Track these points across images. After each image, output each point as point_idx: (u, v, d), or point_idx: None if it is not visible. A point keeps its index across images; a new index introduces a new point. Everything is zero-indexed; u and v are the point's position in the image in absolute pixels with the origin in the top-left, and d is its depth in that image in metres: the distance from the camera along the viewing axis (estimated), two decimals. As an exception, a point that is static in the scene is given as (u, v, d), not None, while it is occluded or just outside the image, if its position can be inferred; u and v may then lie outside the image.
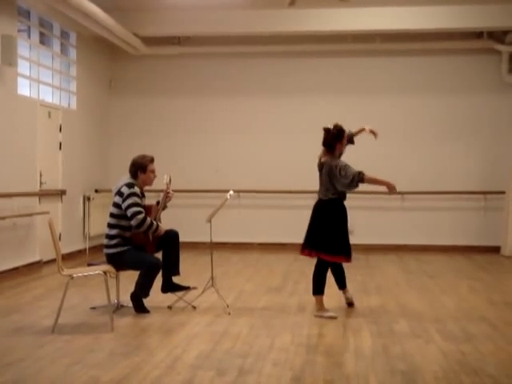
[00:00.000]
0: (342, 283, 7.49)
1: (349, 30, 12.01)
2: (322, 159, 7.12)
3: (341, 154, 7.25)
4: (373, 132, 7.89)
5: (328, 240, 6.95)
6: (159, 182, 7.46)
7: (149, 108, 13.75)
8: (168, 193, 7.40)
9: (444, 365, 5.32)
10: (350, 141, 7.53)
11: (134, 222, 7.02)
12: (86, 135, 12.66)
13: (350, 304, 7.49)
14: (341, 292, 7.54)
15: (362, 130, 7.87)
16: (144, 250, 7.18)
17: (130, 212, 7.01)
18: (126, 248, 7.11)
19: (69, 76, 12.14)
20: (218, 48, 13.15)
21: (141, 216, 7.01)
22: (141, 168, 7.25)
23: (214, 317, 7.01)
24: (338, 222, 7.02)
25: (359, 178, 6.78)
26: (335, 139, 7.03)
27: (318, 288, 7.07)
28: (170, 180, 7.39)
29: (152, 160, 7.35)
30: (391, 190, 6.95)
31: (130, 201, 7.03)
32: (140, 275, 7.14)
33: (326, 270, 7.12)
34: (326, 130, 7.06)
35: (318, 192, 7.18)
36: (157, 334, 6.41)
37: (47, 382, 4.88)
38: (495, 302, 7.98)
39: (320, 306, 7.05)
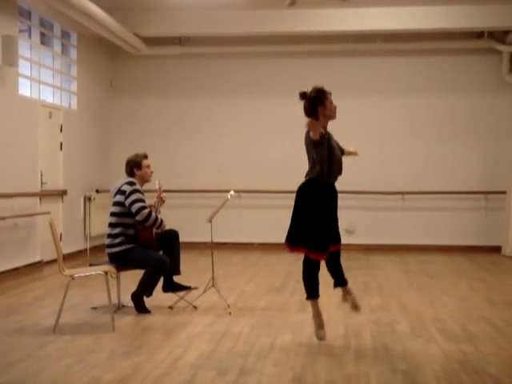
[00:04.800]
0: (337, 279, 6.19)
1: (349, 30, 12.02)
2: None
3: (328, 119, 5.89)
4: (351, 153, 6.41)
5: (303, 231, 5.84)
6: (151, 184, 7.50)
7: (150, 108, 13.75)
8: (161, 198, 7.45)
9: (445, 364, 5.32)
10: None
11: (139, 217, 7.04)
12: (87, 135, 12.66)
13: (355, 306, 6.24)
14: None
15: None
16: (149, 247, 7.20)
17: (134, 208, 7.04)
18: (130, 246, 7.12)
19: (69, 76, 12.14)
20: (219, 48, 13.16)
21: (146, 211, 7.05)
22: (135, 165, 7.31)
23: (214, 317, 7.01)
24: (312, 208, 5.83)
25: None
26: (315, 103, 5.76)
27: (306, 291, 6.02)
28: (162, 185, 7.46)
29: (145, 156, 7.41)
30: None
31: (133, 197, 7.07)
32: (145, 273, 7.14)
33: (313, 269, 5.90)
34: (302, 95, 5.82)
35: None
36: (158, 333, 6.41)
37: (48, 383, 4.88)
38: (496, 302, 7.98)
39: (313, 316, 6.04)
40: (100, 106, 13.36)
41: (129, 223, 7.16)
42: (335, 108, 5.89)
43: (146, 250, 7.18)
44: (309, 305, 6.16)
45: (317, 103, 5.77)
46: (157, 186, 7.43)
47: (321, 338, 5.94)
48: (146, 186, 7.57)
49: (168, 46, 13.13)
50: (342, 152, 6.20)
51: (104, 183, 12.91)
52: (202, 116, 13.64)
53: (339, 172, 5.99)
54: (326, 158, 5.74)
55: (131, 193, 7.10)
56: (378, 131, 13.26)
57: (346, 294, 6.18)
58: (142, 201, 7.13)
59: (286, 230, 6.12)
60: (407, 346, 5.88)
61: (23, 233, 10.11)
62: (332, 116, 5.88)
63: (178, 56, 13.41)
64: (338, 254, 6.10)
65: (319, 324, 5.98)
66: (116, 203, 7.20)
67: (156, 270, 7.10)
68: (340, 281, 6.14)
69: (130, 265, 7.17)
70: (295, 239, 5.90)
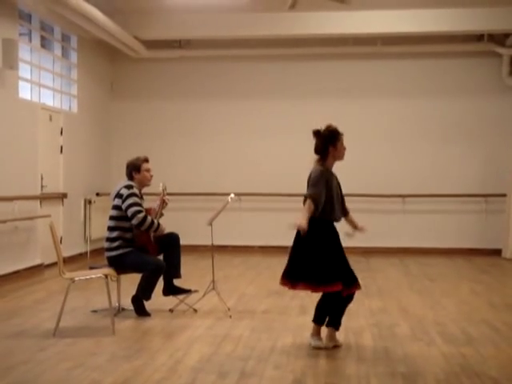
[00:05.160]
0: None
1: (350, 32, 12.01)
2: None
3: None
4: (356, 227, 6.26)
5: (317, 267, 5.79)
6: (155, 186, 7.48)
7: (150, 111, 13.76)
8: (164, 200, 7.44)
9: (445, 367, 5.32)
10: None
11: (134, 221, 7.04)
12: (87, 138, 12.66)
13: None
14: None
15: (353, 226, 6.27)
16: (146, 251, 7.19)
17: (130, 212, 7.03)
18: (127, 250, 7.12)
19: (70, 79, 12.15)
20: (219, 51, 13.16)
21: (141, 215, 7.04)
22: (134, 168, 7.30)
23: (215, 320, 7.01)
24: (326, 243, 5.84)
25: (308, 198, 5.78)
26: (327, 143, 5.85)
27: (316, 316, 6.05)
28: (165, 188, 7.44)
29: (146, 160, 7.38)
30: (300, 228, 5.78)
31: (130, 201, 7.06)
32: (142, 278, 7.14)
33: (333, 301, 5.94)
34: (316, 133, 5.90)
35: None
36: (158, 337, 6.41)
37: (48, 386, 4.88)
38: (496, 305, 7.98)
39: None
40: (100, 109, 13.37)
41: (126, 227, 7.16)
42: (345, 150, 5.98)
43: (142, 254, 7.17)
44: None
45: (329, 143, 5.87)
46: (160, 189, 7.43)
47: (317, 346, 5.91)
48: (151, 189, 7.58)
49: (168, 49, 13.13)
50: (345, 213, 6.17)
51: (104, 186, 12.92)
52: (203, 119, 13.64)
53: (340, 214, 6.02)
54: (326, 196, 5.79)
55: (128, 197, 7.10)
56: (378, 134, 13.25)
57: (330, 340, 5.99)
58: (138, 205, 7.12)
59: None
60: (407, 349, 5.88)
61: (23, 236, 10.11)
62: (340, 157, 5.99)
63: (178, 59, 13.42)
64: (350, 298, 6.01)
65: (317, 338, 5.99)
66: (114, 207, 7.21)
67: (152, 274, 7.09)
68: (334, 322, 6.02)
69: (127, 269, 7.17)
70: (298, 276, 5.88)
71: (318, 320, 6.01)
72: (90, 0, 10.04)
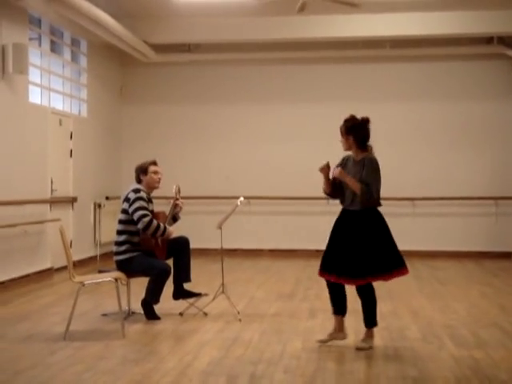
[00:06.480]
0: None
1: (359, 36, 12.01)
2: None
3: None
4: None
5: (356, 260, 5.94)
6: (170, 190, 7.48)
7: (159, 115, 13.79)
8: (177, 203, 7.44)
9: (456, 371, 5.29)
10: None
11: (140, 225, 7.05)
12: (97, 142, 12.70)
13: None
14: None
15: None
16: (153, 255, 7.20)
17: (136, 216, 7.05)
18: (135, 254, 7.13)
19: (79, 84, 12.19)
20: (228, 55, 13.16)
21: (147, 219, 7.04)
22: (142, 171, 7.33)
23: (225, 323, 7.00)
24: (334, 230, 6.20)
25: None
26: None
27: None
28: (179, 190, 7.44)
29: (153, 162, 7.41)
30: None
31: (136, 205, 7.08)
32: (149, 281, 7.16)
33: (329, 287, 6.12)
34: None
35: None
36: (168, 340, 6.41)
37: (59, 389, 4.89)
38: (507, 308, 7.95)
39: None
40: (110, 113, 13.40)
41: (134, 231, 7.17)
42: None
43: (148, 258, 7.18)
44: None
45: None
46: (173, 191, 7.43)
47: (341, 337, 6.06)
48: (164, 192, 7.56)
49: (177, 53, 13.14)
50: None
51: (114, 190, 12.94)
52: (212, 122, 13.66)
53: (349, 200, 6.58)
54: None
55: (134, 200, 7.12)
56: (388, 137, 13.20)
57: (365, 337, 6.08)
58: (144, 209, 7.12)
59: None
60: (418, 353, 5.86)
61: (34, 240, 10.13)
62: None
63: (188, 63, 13.44)
64: (362, 289, 6.09)
65: (336, 336, 6.09)
66: (122, 211, 7.25)
67: (158, 278, 7.09)
68: (365, 321, 6.11)
69: (134, 272, 7.18)
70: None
71: (332, 308, 6.11)
72: (99, 4, 10.08)
